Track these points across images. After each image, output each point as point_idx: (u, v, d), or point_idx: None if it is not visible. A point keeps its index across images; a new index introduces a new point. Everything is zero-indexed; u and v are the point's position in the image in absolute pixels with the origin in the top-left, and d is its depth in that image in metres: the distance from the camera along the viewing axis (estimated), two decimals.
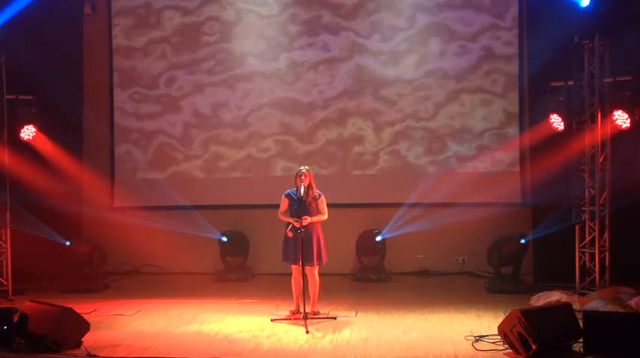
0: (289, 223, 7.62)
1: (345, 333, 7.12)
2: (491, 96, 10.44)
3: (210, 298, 8.93)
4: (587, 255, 8.69)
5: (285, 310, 8.06)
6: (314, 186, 7.71)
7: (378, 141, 10.65)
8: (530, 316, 6.13)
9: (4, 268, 9.27)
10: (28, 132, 9.24)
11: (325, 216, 7.75)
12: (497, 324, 6.56)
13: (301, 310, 7.58)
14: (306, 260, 7.55)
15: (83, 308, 7.80)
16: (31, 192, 9.49)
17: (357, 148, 10.70)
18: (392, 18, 10.59)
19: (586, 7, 8.69)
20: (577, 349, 6.23)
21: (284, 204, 7.80)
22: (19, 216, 9.37)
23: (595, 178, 8.60)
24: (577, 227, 8.72)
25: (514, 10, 10.35)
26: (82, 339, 6.62)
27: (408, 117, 10.58)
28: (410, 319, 7.69)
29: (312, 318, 7.58)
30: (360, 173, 10.70)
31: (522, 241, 9.32)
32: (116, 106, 11.03)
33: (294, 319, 7.63)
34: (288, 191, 7.81)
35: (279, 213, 7.82)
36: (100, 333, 7.12)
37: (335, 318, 7.74)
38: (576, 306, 7.48)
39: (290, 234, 7.59)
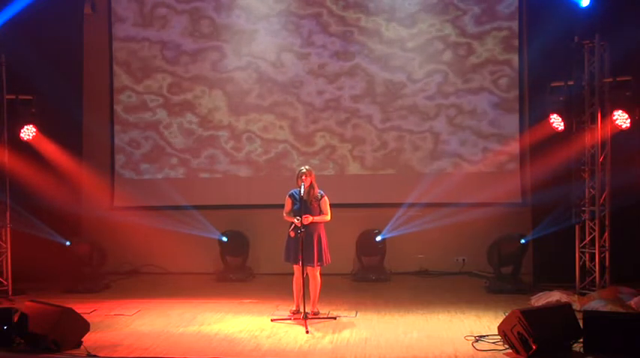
0: (292, 223, 7.62)
1: (345, 333, 7.12)
2: (491, 96, 10.44)
3: (210, 298, 8.94)
4: (587, 255, 8.69)
5: (285, 310, 8.06)
6: (315, 186, 7.71)
7: (378, 141, 10.65)
8: (530, 316, 6.13)
9: (4, 268, 9.27)
10: (28, 132, 9.24)
11: (328, 217, 7.75)
12: (497, 324, 6.56)
13: (301, 310, 7.58)
14: (307, 260, 7.55)
15: (83, 308, 7.81)
16: (31, 192, 9.49)
17: (357, 148, 10.69)
18: (393, 18, 10.58)
19: (586, 7, 8.69)
20: (577, 349, 6.24)
21: (287, 204, 7.80)
22: (19, 216, 9.37)
23: (595, 178, 8.60)
24: (577, 227, 8.72)
25: (514, 10, 10.35)
26: (82, 339, 6.62)
27: (408, 117, 10.58)
28: (410, 319, 7.70)
29: (312, 318, 7.58)
30: (360, 173, 10.70)
31: (522, 241, 9.32)
32: (116, 106, 11.04)
33: (294, 319, 7.63)
34: (292, 191, 7.81)
35: (284, 214, 7.81)
36: (100, 333, 7.12)
37: (335, 318, 7.74)
38: (576, 306, 7.49)
39: (292, 234, 7.59)
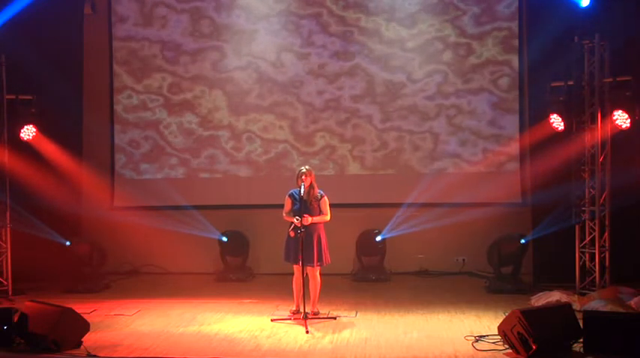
0: (292, 223, 7.62)
1: (345, 333, 7.12)
2: (491, 96, 10.44)
3: (210, 298, 8.94)
4: (587, 255, 8.69)
5: (285, 310, 8.06)
6: (315, 186, 7.71)
7: (378, 141, 10.64)
8: (530, 316, 6.13)
9: (4, 268, 9.27)
10: (28, 132, 9.24)
11: (327, 217, 7.75)
12: (497, 324, 6.56)
13: (301, 310, 7.58)
14: (306, 260, 7.55)
15: (83, 308, 7.81)
16: (31, 192, 9.49)
17: (357, 148, 10.69)
18: (393, 18, 10.58)
19: (586, 7, 8.69)
20: (577, 349, 6.24)
21: (287, 204, 7.80)
22: (19, 216, 9.37)
23: (595, 178, 8.59)
24: (577, 227, 8.72)
25: (514, 11, 10.35)
26: (82, 339, 6.62)
27: (408, 117, 10.58)
28: (410, 319, 7.70)
29: (312, 318, 7.58)
30: (360, 173, 10.69)
31: (522, 241, 9.32)
32: (116, 106, 11.03)
33: (294, 319, 7.63)
34: (291, 191, 7.81)
35: (284, 214, 7.81)
36: (100, 333, 7.12)
37: (335, 318, 7.74)
38: (576, 306, 7.49)
39: (292, 234, 7.59)
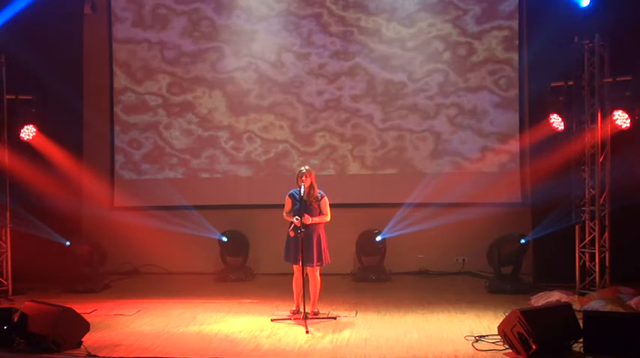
0: (292, 223, 7.61)
1: (345, 333, 7.12)
2: (491, 95, 10.44)
3: (210, 298, 8.94)
4: (587, 255, 8.69)
5: (285, 310, 8.06)
6: (315, 186, 7.70)
7: (379, 140, 10.64)
8: (530, 316, 6.13)
9: (4, 268, 9.27)
10: (28, 132, 9.25)
11: (327, 218, 7.74)
12: (497, 324, 6.56)
13: (301, 310, 7.58)
14: (306, 260, 7.55)
15: (83, 308, 7.82)
16: (31, 192, 9.50)
17: (358, 148, 10.69)
18: (393, 18, 10.58)
19: (586, 7, 8.69)
20: (577, 349, 6.24)
21: (287, 204, 7.79)
22: (19, 216, 9.37)
23: (595, 178, 8.60)
24: (577, 227, 8.72)
25: (514, 10, 10.35)
26: (82, 339, 6.62)
27: (408, 117, 10.58)
28: (410, 319, 7.69)
29: (312, 318, 7.58)
30: (360, 173, 10.69)
31: (522, 241, 9.31)
32: (116, 106, 11.04)
33: (294, 319, 7.63)
34: (292, 191, 7.81)
35: (284, 214, 7.81)
36: (100, 333, 7.12)
37: (335, 318, 7.74)
38: (576, 306, 7.49)
39: (292, 234, 7.59)
